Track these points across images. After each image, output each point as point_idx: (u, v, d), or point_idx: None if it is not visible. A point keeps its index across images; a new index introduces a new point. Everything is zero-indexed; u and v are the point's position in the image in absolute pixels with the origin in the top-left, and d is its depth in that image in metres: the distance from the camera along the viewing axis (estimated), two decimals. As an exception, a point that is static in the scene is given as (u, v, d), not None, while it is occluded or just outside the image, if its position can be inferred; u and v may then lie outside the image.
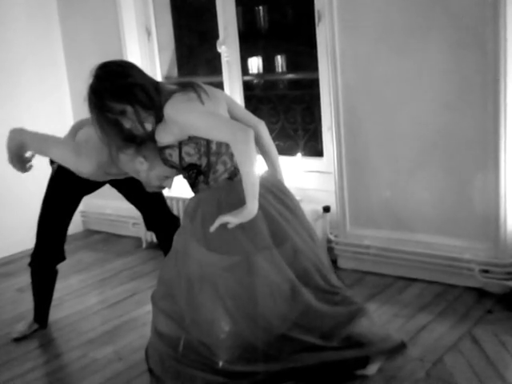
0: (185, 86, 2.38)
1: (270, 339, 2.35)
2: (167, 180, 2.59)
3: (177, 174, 2.56)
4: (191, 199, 2.50)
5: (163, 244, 3.11)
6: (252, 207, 2.23)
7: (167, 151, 2.40)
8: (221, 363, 2.36)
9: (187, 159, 2.38)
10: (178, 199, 4.10)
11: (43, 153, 2.74)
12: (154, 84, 2.40)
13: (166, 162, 2.43)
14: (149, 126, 2.38)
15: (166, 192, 2.95)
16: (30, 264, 3.09)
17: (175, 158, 2.39)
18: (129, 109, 2.33)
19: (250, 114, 2.66)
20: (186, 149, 2.37)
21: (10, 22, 4.48)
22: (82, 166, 2.60)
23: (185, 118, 2.30)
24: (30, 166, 2.87)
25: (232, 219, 2.24)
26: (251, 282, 2.32)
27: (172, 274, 2.48)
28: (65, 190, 2.94)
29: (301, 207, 2.60)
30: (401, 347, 2.46)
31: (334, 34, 3.33)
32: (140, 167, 2.54)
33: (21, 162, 2.82)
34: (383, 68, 3.26)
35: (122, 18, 4.31)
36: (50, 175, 2.96)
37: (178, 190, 3.61)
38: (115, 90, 2.32)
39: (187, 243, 2.42)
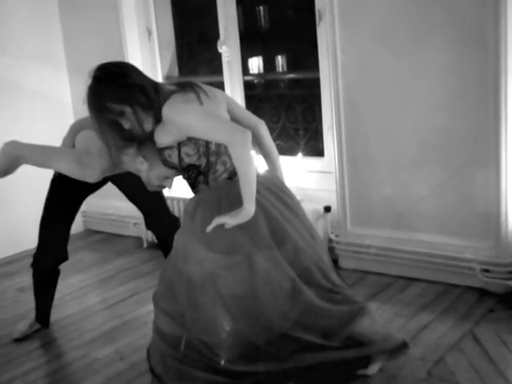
0: (184, 87, 2.37)
1: (271, 338, 2.34)
2: (167, 180, 2.59)
3: (176, 175, 2.56)
4: (191, 199, 2.49)
5: (163, 244, 3.10)
6: (249, 208, 2.23)
7: (166, 152, 2.39)
8: (222, 362, 2.36)
9: (186, 160, 2.38)
10: (178, 199, 4.10)
11: (44, 166, 2.70)
12: (152, 85, 2.39)
13: (166, 162, 2.42)
14: (148, 127, 2.38)
15: (166, 192, 2.94)
16: (33, 265, 3.08)
17: (174, 159, 2.39)
18: (128, 110, 2.33)
19: (250, 113, 2.65)
20: (185, 149, 2.36)
21: (11, 23, 4.48)
22: (87, 176, 2.59)
23: (182, 119, 2.29)
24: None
25: (229, 220, 2.24)
26: (252, 282, 2.32)
27: (173, 273, 2.47)
28: (67, 191, 2.94)
29: (301, 206, 2.60)
30: (402, 347, 2.45)
31: (334, 34, 3.34)
32: (140, 167, 2.54)
33: (6, 174, 2.78)
34: (384, 67, 3.25)
35: (123, 18, 4.31)
36: (52, 175, 2.96)
37: (178, 190, 3.61)
38: (114, 91, 2.32)
39: (188, 243, 2.41)
